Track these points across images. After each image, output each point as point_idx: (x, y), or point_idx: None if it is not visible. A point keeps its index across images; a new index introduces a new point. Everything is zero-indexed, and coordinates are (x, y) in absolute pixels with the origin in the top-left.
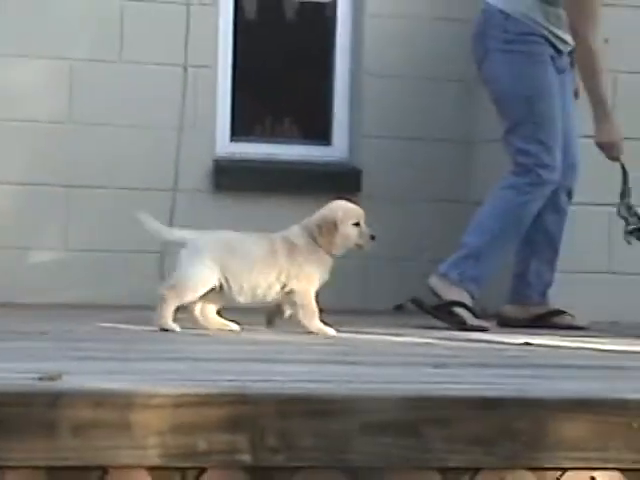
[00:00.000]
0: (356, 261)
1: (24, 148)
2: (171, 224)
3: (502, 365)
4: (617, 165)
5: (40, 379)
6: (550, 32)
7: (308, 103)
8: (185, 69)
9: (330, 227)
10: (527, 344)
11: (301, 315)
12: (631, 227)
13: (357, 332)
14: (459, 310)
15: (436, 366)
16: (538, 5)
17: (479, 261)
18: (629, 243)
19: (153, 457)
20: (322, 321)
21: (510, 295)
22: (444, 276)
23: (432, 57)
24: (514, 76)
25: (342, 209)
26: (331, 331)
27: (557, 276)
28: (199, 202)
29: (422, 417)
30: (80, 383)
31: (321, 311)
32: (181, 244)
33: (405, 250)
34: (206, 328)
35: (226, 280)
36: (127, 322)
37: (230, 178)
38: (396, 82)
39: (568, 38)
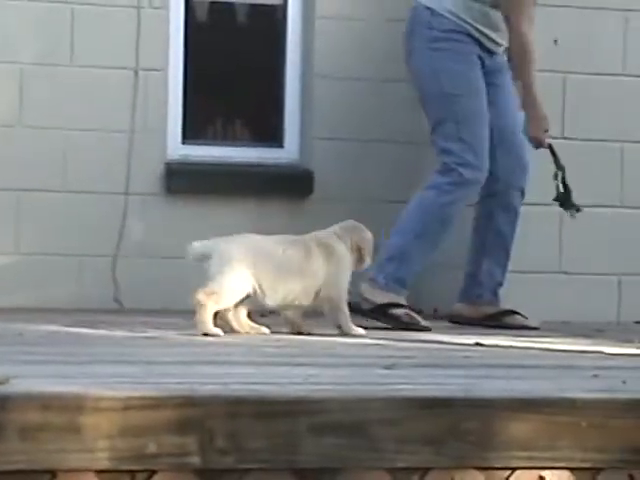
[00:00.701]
0: None
1: None
2: (123, 228)
3: (452, 365)
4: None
5: None
6: (477, 30)
7: (259, 105)
8: (136, 72)
9: (370, 251)
10: (478, 344)
11: (338, 319)
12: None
13: (307, 333)
14: (396, 311)
15: (386, 367)
16: (464, 2)
17: (402, 262)
18: (572, 216)
19: (102, 460)
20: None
21: (461, 294)
22: (372, 280)
23: (382, 58)
24: (437, 74)
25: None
26: (362, 332)
27: (509, 276)
28: (151, 205)
29: (371, 418)
30: (28, 386)
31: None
32: (208, 255)
33: None
34: (237, 332)
35: (259, 286)
36: (78, 325)
37: (182, 181)
38: (347, 84)
39: (499, 37)
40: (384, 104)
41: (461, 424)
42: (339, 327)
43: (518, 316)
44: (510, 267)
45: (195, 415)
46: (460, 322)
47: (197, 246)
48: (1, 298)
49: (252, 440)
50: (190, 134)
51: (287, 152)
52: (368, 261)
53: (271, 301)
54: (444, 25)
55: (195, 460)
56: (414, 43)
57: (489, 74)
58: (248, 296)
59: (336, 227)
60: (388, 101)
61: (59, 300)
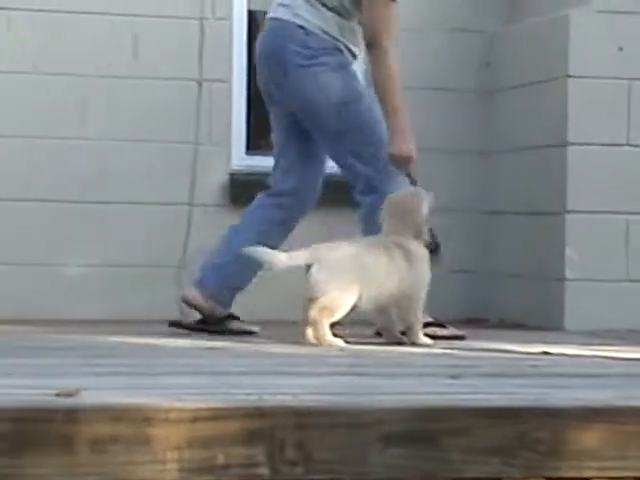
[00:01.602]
0: None
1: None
2: (187, 239)
3: (520, 375)
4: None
5: (58, 395)
6: (346, 47)
7: None
8: (200, 84)
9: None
10: (545, 353)
11: (411, 323)
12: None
13: (372, 343)
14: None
15: (453, 377)
16: (335, 20)
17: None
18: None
19: (172, 471)
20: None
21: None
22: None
23: (443, 68)
24: (323, 89)
25: None
26: (430, 341)
27: (574, 284)
28: (215, 216)
29: (439, 428)
30: (98, 398)
31: (337, 324)
32: (308, 264)
33: None
34: (316, 345)
35: (361, 294)
36: (144, 337)
37: (246, 192)
38: (408, 94)
39: (357, 51)
40: (446, 114)
41: (530, 434)
42: (406, 332)
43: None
44: (575, 275)
45: (264, 426)
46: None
47: (294, 255)
48: (70, 310)
49: (321, 451)
50: (254, 145)
51: None
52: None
53: (368, 306)
54: (319, 43)
55: (264, 471)
56: (289, 62)
57: None
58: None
59: (392, 222)
60: (450, 111)
61: (125, 312)
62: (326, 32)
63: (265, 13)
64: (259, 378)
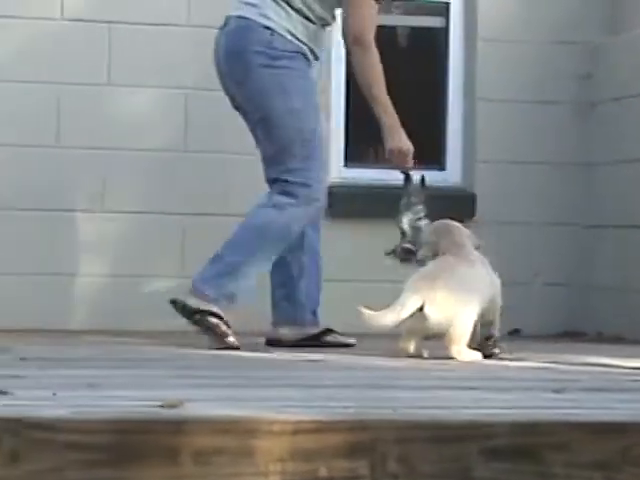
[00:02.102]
0: None
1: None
2: None
3: (622, 389)
4: None
5: (161, 406)
6: (310, 50)
7: (421, 129)
8: None
9: None
10: None
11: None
12: (405, 246)
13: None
14: (212, 320)
15: (556, 391)
16: (301, 22)
17: (236, 278)
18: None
19: None
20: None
21: (280, 317)
22: (201, 294)
23: (545, 80)
24: (284, 92)
25: None
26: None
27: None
28: None
29: (543, 442)
30: (202, 410)
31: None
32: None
33: (519, 275)
34: (412, 357)
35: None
36: (242, 349)
37: (344, 204)
38: (509, 106)
39: (319, 52)
40: (546, 126)
41: (634, 449)
42: (481, 343)
43: (336, 334)
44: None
45: (366, 439)
46: (280, 344)
47: (401, 307)
48: (165, 321)
49: (424, 464)
50: (352, 157)
51: (449, 175)
52: None
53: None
54: (285, 45)
55: None
56: (251, 62)
57: None
58: None
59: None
60: (550, 123)
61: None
62: (293, 34)
63: None
64: (359, 391)
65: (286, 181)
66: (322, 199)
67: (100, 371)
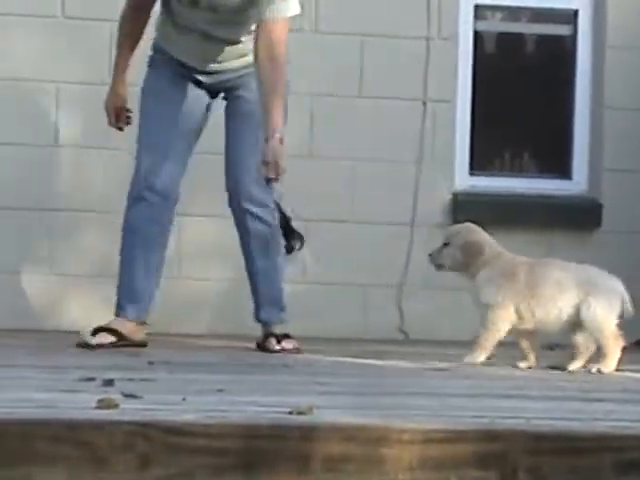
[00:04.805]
0: None
1: None
2: (409, 258)
3: None
4: None
5: (291, 413)
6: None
7: (547, 137)
8: (424, 103)
9: None
10: None
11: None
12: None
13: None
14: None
15: None
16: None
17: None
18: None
19: None
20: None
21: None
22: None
23: None
24: (142, 89)
25: None
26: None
27: None
28: (437, 236)
29: None
30: (331, 417)
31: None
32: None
33: None
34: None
35: None
36: (364, 356)
37: (469, 212)
38: (637, 115)
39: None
40: None
41: None
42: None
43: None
44: None
45: (496, 449)
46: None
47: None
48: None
49: (555, 476)
50: (477, 165)
51: (576, 184)
52: None
53: None
54: (155, 45)
55: None
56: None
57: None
58: None
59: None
60: None
61: (342, 330)
62: (157, 29)
63: (490, 33)
64: (488, 400)
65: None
66: (143, 195)
67: (227, 376)
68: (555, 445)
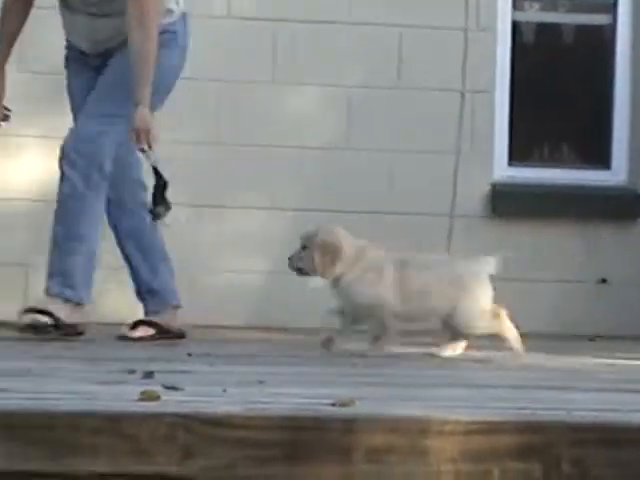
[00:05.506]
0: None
1: (303, 174)
2: (448, 248)
3: None
4: None
5: (333, 405)
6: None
7: (586, 127)
8: (463, 94)
9: None
10: None
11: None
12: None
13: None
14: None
15: None
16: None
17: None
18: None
19: None
20: None
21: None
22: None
23: None
24: None
25: None
26: None
27: None
28: (476, 227)
29: None
30: (373, 409)
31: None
32: None
33: None
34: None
35: None
36: (404, 346)
37: (508, 203)
38: None
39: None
40: None
41: None
42: None
43: None
44: None
45: (539, 441)
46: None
47: None
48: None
49: (598, 468)
50: (516, 156)
51: (615, 174)
52: None
53: None
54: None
55: None
56: None
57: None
58: None
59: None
60: None
61: None
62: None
63: (529, 24)
64: (530, 392)
65: None
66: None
67: (267, 368)
68: (597, 436)
